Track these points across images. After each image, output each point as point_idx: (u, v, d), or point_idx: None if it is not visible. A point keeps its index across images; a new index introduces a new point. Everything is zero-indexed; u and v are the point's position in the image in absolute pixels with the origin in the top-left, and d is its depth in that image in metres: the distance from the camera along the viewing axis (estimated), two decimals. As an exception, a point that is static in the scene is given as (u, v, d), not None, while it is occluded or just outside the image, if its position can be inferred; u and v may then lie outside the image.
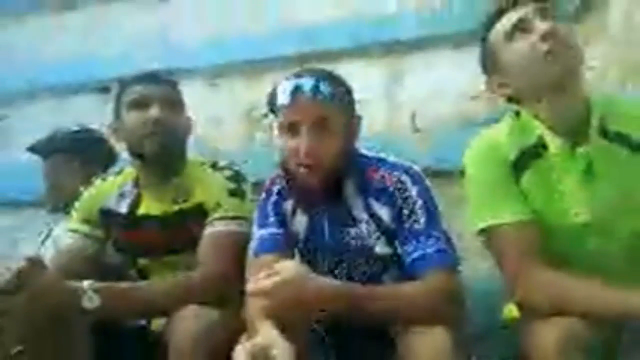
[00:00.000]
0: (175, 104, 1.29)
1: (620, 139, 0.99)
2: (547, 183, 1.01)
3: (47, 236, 1.71)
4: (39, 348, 0.93)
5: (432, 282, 0.98)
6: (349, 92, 1.12)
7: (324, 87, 1.02)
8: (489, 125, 1.14)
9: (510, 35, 1.01)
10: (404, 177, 1.07)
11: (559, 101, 0.99)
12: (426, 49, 2.11)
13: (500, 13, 1.05)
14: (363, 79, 2.02)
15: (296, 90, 1.02)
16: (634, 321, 0.87)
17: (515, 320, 1.10)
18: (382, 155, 1.15)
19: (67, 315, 0.98)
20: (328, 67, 1.17)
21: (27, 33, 2.58)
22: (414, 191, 1.05)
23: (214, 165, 1.32)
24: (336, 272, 1.14)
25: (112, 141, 1.61)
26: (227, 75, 2.29)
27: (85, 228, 1.33)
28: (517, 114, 1.07)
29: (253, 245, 1.15)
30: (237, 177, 1.29)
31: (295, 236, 1.16)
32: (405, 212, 1.04)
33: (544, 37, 0.95)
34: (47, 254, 1.43)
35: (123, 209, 1.33)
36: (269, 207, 1.16)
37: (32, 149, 1.74)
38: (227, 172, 1.29)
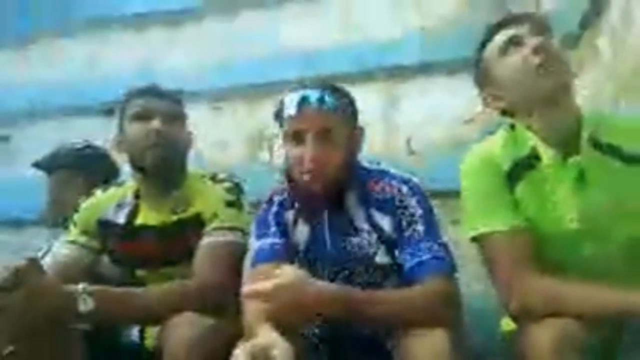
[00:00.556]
0: (177, 118, 1.32)
1: (612, 150, 1.02)
2: (541, 193, 1.03)
3: (47, 252, 1.72)
4: (31, 349, 0.93)
5: (429, 286, 0.99)
6: (352, 104, 1.16)
7: (329, 99, 1.07)
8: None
9: (504, 50, 1.05)
10: (404, 188, 1.10)
11: (551, 113, 1.02)
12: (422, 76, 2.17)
13: (495, 30, 1.09)
14: (362, 102, 2.08)
15: (303, 100, 1.06)
16: (633, 320, 0.87)
17: (512, 333, 1.10)
18: (383, 167, 1.18)
19: (62, 319, 0.98)
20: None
21: (31, 56, 2.66)
22: (413, 201, 1.08)
23: (214, 178, 1.33)
24: (338, 281, 1.13)
25: (115, 155, 1.64)
26: (230, 98, 2.35)
27: (82, 239, 1.34)
28: (512, 126, 1.10)
29: (252, 254, 1.16)
30: (236, 189, 1.31)
31: (295, 246, 1.17)
32: (405, 221, 1.07)
33: (536, 51, 1.00)
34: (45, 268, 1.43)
35: (121, 219, 1.34)
36: (270, 217, 1.17)
37: (37, 165, 1.76)
38: (226, 184, 1.31)
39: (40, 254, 1.71)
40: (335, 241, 1.13)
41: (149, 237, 1.31)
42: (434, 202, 1.27)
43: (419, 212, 1.07)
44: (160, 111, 1.28)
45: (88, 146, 1.81)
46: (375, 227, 1.10)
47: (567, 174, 1.01)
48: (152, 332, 1.30)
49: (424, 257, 1.02)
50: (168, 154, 1.27)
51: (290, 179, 1.13)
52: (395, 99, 2.20)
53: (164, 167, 1.27)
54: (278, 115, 1.14)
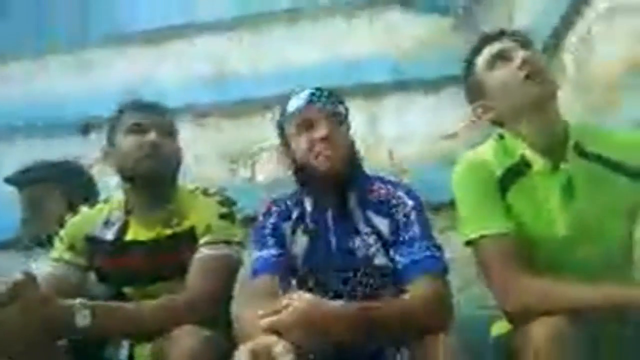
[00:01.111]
0: (170, 132, 1.32)
1: (598, 159, 1.08)
2: (532, 199, 1.08)
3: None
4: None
5: (423, 286, 1.01)
6: (347, 110, 1.25)
7: (330, 93, 1.19)
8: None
9: (492, 64, 1.12)
10: (401, 192, 1.15)
11: (538, 120, 1.08)
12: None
13: (482, 45, 1.15)
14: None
15: (312, 94, 1.17)
16: (629, 313, 0.90)
17: (502, 337, 1.13)
18: (381, 175, 1.25)
19: (57, 333, 0.96)
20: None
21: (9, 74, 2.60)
22: (409, 204, 1.13)
23: (205, 192, 1.33)
24: (339, 287, 1.15)
25: (95, 172, 1.61)
26: (213, 115, 2.35)
27: (68, 256, 1.30)
28: (501, 136, 1.16)
29: (251, 266, 1.16)
30: (228, 202, 1.31)
31: (294, 257, 1.18)
32: (401, 222, 1.11)
33: (523, 64, 1.06)
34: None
35: (109, 236, 1.31)
36: (267, 229, 1.19)
37: (8, 180, 1.69)
38: (218, 197, 1.31)
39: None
40: (341, 245, 1.15)
41: (139, 253, 1.28)
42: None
43: (414, 214, 1.11)
44: (155, 125, 1.27)
45: (64, 161, 1.76)
46: (374, 229, 1.13)
47: (556, 181, 1.07)
48: (141, 352, 1.28)
49: (418, 257, 1.05)
50: (161, 166, 1.26)
51: (303, 170, 1.17)
52: (375, 117, 2.26)
53: (156, 179, 1.27)
54: (281, 120, 1.22)
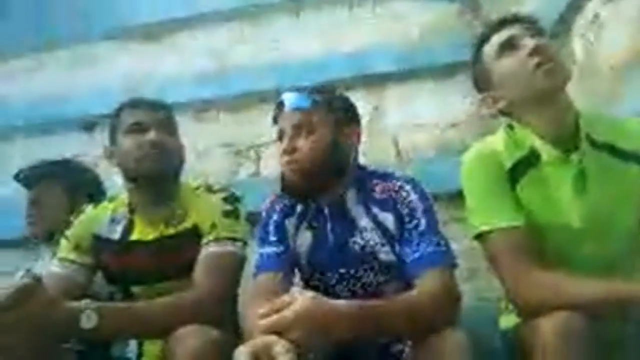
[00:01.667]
0: (170, 129, 1.31)
1: (609, 148, 1.05)
2: (543, 191, 1.05)
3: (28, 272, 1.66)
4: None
5: (431, 281, 0.99)
6: (342, 104, 1.21)
7: (303, 99, 1.16)
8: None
9: (500, 52, 1.08)
10: (406, 186, 1.13)
11: (549, 111, 1.05)
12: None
13: (490, 32, 1.12)
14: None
15: (280, 103, 1.18)
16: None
17: (510, 331, 1.12)
18: (385, 169, 1.22)
19: (64, 336, 0.96)
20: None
21: (9, 70, 2.60)
22: (414, 198, 1.10)
23: (209, 189, 1.32)
24: (342, 283, 1.15)
25: (100, 170, 1.60)
26: (216, 109, 2.34)
27: (75, 256, 1.30)
28: (510, 127, 1.13)
29: (253, 263, 1.16)
30: (233, 199, 1.30)
31: (298, 253, 1.17)
32: (407, 216, 1.09)
33: (532, 53, 1.03)
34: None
35: (115, 235, 1.31)
36: (270, 225, 1.18)
37: (17, 178, 1.68)
38: (222, 194, 1.30)
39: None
40: (339, 242, 1.14)
41: (144, 251, 1.28)
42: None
43: (420, 207, 1.09)
44: (154, 123, 1.26)
45: (67, 159, 1.77)
46: (379, 224, 1.12)
47: (568, 172, 1.04)
48: (151, 348, 1.28)
49: (425, 251, 1.04)
50: (163, 164, 1.25)
51: (280, 177, 1.17)
52: (380, 107, 2.24)
53: (159, 177, 1.26)
54: (274, 121, 1.21)
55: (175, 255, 1.26)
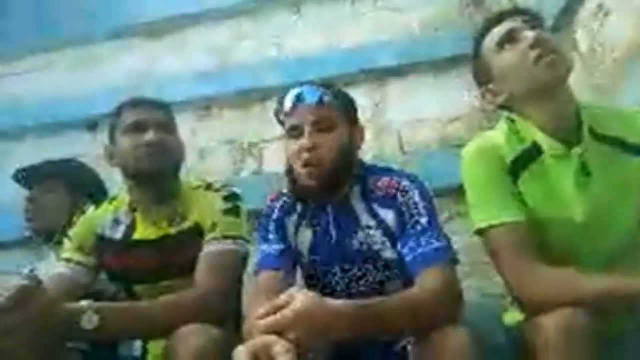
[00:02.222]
0: (169, 128, 1.31)
1: (611, 140, 1.04)
2: (544, 185, 1.04)
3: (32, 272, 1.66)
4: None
5: (431, 281, 0.98)
6: (349, 103, 1.20)
7: (324, 95, 1.12)
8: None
9: (501, 45, 1.07)
10: (407, 183, 1.11)
11: (550, 104, 1.04)
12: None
13: (490, 25, 1.11)
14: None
15: (298, 97, 1.12)
16: None
17: (517, 326, 1.11)
18: (386, 166, 1.21)
19: (65, 337, 0.96)
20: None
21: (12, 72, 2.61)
22: (416, 195, 1.09)
23: (209, 187, 1.32)
24: (344, 281, 1.14)
25: (102, 169, 1.60)
26: (218, 106, 2.33)
27: (79, 256, 1.31)
28: (512, 120, 1.11)
29: (254, 261, 1.16)
30: (233, 197, 1.30)
31: (298, 251, 1.17)
32: (408, 214, 1.08)
33: (533, 45, 1.01)
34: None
35: (118, 235, 1.31)
36: (271, 223, 1.18)
37: (15, 178, 1.69)
38: (223, 193, 1.30)
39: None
40: (342, 239, 1.14)
41: (147, 251, 1.28)
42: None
43: (422, 204, 1.08)
44: (153, 122, 1.26)
45: (68, 159, 1.77)
46: (381, 222, 1.11)
47: (570, 166, 1.03)
48: (155, 347, 1.29)
49: (427, 248, 1.03)
50: (162, 163, 1.26)
51: (291, 174, 1.14)
52: (382, 101, 2.23)
53: (158, 176, 1.26)
54: (277, 115, 1.18)
55: (177, 254, 1.27)
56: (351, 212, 1.14)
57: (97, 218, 1.34)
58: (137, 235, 1.31)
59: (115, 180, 1.71)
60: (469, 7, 2.31)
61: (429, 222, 1.06)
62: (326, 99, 1.11)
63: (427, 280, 0.99)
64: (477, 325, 0.98)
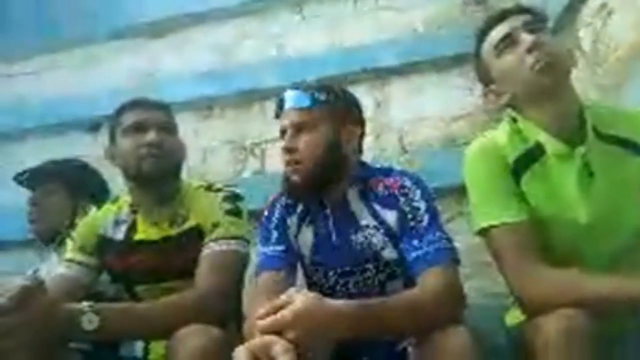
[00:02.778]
0: (170, 128, 1.32)
1: (615, 140, 1.03)
2: (547, 185, 1.03)
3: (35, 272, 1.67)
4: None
5: (432, 281, 0.98)
6: (342, 101, 1.19)
7: (305, 98, 1.14)
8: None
9: (499, 49, 1.06)
10: (407, 182, 1.11)
11: (553, 105, 1.03)
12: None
13: (489, 26, 1.10)
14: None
15: (281, 101, 1.18)
16: None
17: (518, 327, 1.10)
18: (387, 165, 1.20)
19: (66, 338, 0.96)
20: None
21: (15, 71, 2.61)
22: (417, 194, 1.09)
23: (210, 187, 1.32)
24: (345, 282, 1.14)
25: (104, 169, 1.61)
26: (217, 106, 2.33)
27: (81, 257, 1.31)
28: (514, 120, 1.10)
29: (255, 262, 1.16)
30: (234, 197, 1.30)
31: (299, 252, 1.17)
32: (409, 214, 1.07)
33: (530, 49, 1.00)
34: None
35: (119, 235, 1.32)
36: (272, 224, 1.18)
37: (15, 180, 1.68)
38: (223, 193, 1.30)
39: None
40: (342, 239, 1.13)
41: (147, 252, 1.29)
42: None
43: (423, 204, 1.07)
44: (153, 122, 1.27)
45: (69, 159, 1.77)
46: (382, 222, 1.11)
47: (573, 166, 1.02)
48: (157, 348, 1.29)
49: (428, 248, 1.02)
50: (163, 163, 1.26)
51: (284, 177, 1.16)
52: (384, 100, 2.22)
53: (159, 177, 1.26)
54: (276, 117, 1.21)
55: (178, 254, 1.27)
56: (350, 212, 1.14)
57: (98, 219, 1.35)
58: (138, 236, 1.31)
59: (117, 182, 1.72)
60: (471, 5, 2.30)
61: (431, 222, 1.05)
62: (305, 102, 1.14)
63: (429, 281, 0.98)
64: (478, 326, 0.98)
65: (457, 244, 1.09)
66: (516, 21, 1.05)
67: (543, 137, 1.04)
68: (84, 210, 1.40)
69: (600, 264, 0.98)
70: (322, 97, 1.16)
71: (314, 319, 0.82)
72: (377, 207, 1.12)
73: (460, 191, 1.62)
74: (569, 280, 0.92)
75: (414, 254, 1.03)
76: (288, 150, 1.12)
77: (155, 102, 1.32)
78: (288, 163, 1.13)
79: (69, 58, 2.61)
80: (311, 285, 1.20)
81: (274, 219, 1.18)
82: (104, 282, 1.36)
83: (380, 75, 2.23)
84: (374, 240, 1.11)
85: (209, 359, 0.96)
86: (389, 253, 1.10)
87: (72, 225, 1.38)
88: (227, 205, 1.27)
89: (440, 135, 2.13)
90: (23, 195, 1.69)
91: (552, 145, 1.03)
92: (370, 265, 1.12)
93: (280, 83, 2.18)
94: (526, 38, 1.02)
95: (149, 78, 2.45)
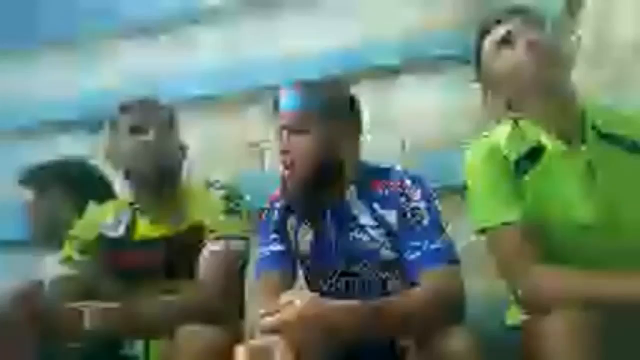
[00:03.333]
0: (169, 129, 1.32)
1: (616, 139, 1.03)
2: (549, 185, 1.03)
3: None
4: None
5: (433, 281, 0.98)
6: (338, 100, 1.17)
7: (295, 98, 1.13)
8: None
9: (497, 49, 1.06)
10: (408, 181, 1.11)
11: (553, 104, 1.03)
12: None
13: (487, 26, 1.10)
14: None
15: (276, 101, 1.16)
16: None
17: (519, 326, 1.10)
18: (388, 165, 1.19)
19: (66, 339, 0.96)
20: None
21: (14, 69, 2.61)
22: (417, 194, 1.09)
23: (210, 186, 1.33)
24: (344, 281, 1.14)
25: (103, 169, 1.60)
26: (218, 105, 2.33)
27: (78, 256, 1.31)
28: (515, 120, 1.10)
29: (255, 261, 1.16)
30: (234, 196, 1.30)
31: (299, 252, 1.17)
32: (409, 214, 1.07)
33: (529, 50, 1.00)
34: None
35: (118, 234, 1.32)
36: (271, 224, 1.18)
37: (16, 179, 1.68)
38: (224, 192, 1.30)
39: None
40: (342, 239, 1.13)
41: (147, 251, 1.29)
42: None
43: (423, 204, 1.07)
44: (154, 123, 1.27)
45: (69, 158, 1.76)
46: (382, 222, 1.11)
47: (574, 166, 1.02)
48: (157, 347, 1.29)
49: (428, 248, 1.02)
50: (163, 164, 1.26)
51: (282, 182, 1.16)
52: (385, 99, 2.22)
53: (158, 178, 1.27)
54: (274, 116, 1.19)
55: (178, 254, 1.27)
56: (349, 212, 1.13)
57: (98, 217, 1.35)
58: (137, 235, 1.31)
59: (117, 181, 1.72)
60: (472, 4, 2.30)
61: (431, 222, 1.05)
62: (297, 104, 1.12)
63: (429, 281, 0.98)
64: (480, 326, 0.98)
65: (456, 244, 1.09)
66: (516, 20, 1.06)
67: (543, 137, 1.04)
68: (83, 209, 1.40)
69: (601, 264, 0.98)
70: (317, 97, 1.14)
71: (314, 319, 0.82)
72: (377, 206, 1.12)
73: (460, 191, 1.62)
74: (570, 280, 0.92)
75: (414, 254, 1.03)
76: (282, 152, 1.12)
77: (155, 102, 1.33)
78: (283, 165, 1.12)
79: (69, 57, 2.61)
80: (311, 285, 1.20)
81: (273, 220, 1.18)
82: (103, 281, 1.36)
83: (381, 74, 2.23)
84: (373, 240, 1.11)
85: (210, 358, 0.96)
86: (389, 253, 1.10)
87: (71, 225, 1.37)
88: (228, 205, 1.27)
89: (440, 135, 2.13)
90: (21, 194, 1.69)
91: (552, 145, 1.03)
92: (369, 265, 1.12)
93: (279, 82, 2.17)
94: (525, 37, 1.02)
95: (149, 78, 2.45)
